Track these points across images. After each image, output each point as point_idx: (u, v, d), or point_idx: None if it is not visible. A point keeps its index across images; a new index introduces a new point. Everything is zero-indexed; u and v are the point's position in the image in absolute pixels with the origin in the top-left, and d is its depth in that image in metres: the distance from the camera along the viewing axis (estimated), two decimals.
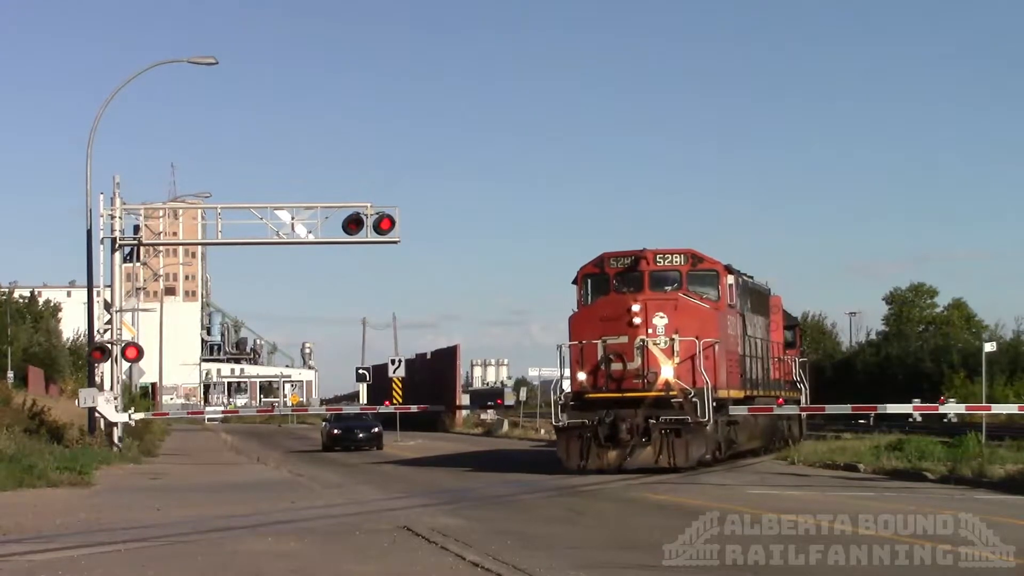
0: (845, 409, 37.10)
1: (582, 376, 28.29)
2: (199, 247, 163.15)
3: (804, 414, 38.95)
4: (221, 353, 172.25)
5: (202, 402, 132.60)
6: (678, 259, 29.46)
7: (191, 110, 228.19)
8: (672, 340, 27.96)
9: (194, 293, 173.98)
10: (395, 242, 38.29)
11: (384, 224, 37.56)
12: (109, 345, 36.64)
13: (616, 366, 28.06)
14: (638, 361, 27.90)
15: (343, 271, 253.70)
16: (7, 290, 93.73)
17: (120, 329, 37.63)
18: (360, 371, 65.37)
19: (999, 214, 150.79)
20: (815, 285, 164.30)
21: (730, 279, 30.08)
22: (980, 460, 26.27)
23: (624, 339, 28.03)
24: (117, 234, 37.85)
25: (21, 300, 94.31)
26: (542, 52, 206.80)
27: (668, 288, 29.09)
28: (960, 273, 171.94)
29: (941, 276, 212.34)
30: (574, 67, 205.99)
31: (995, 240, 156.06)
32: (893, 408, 37.79)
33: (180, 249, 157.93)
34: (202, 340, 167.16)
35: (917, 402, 46.64)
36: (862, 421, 52.59)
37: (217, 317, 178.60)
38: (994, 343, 44.64)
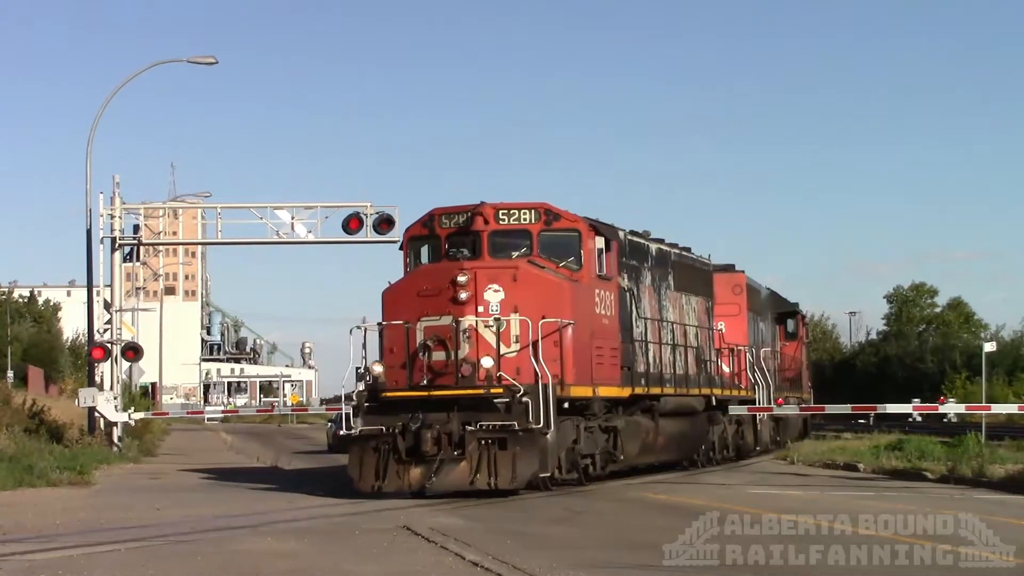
0: (845, 409, 37.12)
1: (378, 368, 22.08)
2: (199, 247, 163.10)
3: (787, 416, 35.98)
4: (221, 353, 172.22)
5: (202, 402, 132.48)
6: (527, 216, 23.01)
7: (191, 110, 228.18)
8: (509, 321, 21.63)
9: (194, 293, 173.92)
10: (395, 242, 38.26)
11: (384, 224, 37.59)
12: (109, 345, 36.64)
13: (438, 356, 21.58)
14: (465, 349, 21.53)
15: (343, 271, 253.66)
16: (7, 290, 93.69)
17: (120, 329, 37.62)
18: (360, 371, 65.18)
19: (999, 214, 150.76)
20: (815, 285, 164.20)
21: (599, 242, 23.46)
22: (980, 460, 26.28)
23: (448, 320, 21.60)
24: (117, 234, 37.86)
25: (21, 300, 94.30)
26: (543, 49, 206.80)
27: (516, 254, 22.79)
28: (960, 273, 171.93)
29: (941, 276, 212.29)
30: (574, 64, 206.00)
31: (995, 240, 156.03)
32: (893, 408, 37.81)
33: (180, 249, 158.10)
34: (202, 340, 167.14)
35: (917, 402, 46.64)
36: (862, 421, 52.61)
37: (217, 317, 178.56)
38: (994, 343, 44.70)
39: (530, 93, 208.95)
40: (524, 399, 21.03)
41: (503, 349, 21.50)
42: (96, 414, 36.40)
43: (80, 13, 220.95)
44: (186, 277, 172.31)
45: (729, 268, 34.61)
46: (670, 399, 27.33)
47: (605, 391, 23.63)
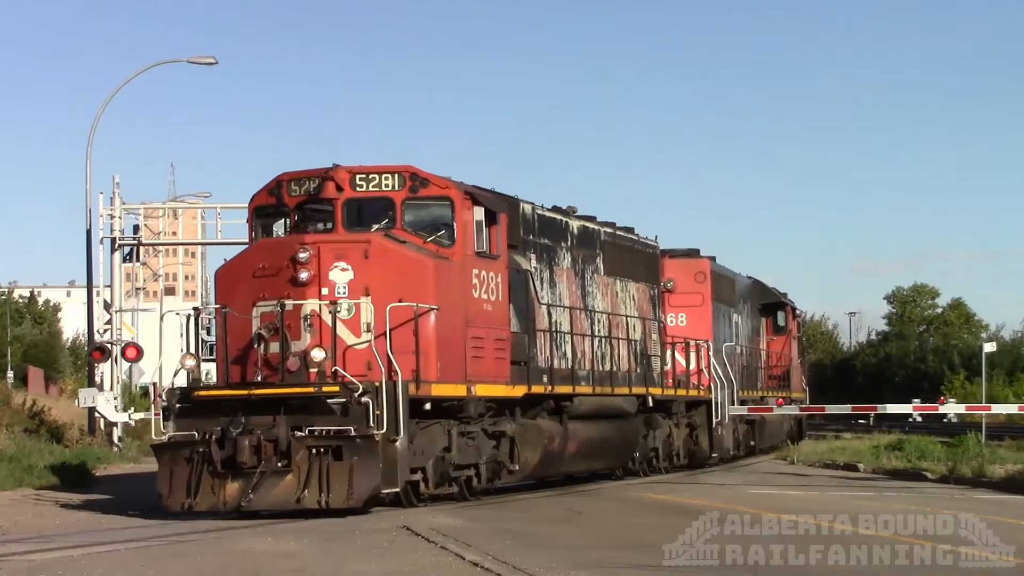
0: (845, 409, 37.19)
1: (191, 362, 19.12)
2: (199, 247, 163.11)
3: (765, 418, 33.78)
4: None
5: None
6: (389, 181, 19.55)
7: (191, 110, 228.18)
8: (359, 305, 18.46)
9: (194, 293, 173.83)
10: None
11: None
12: (109, 345, 36.64)
13: (275, 347, 18.36)
14: (307, 339, 18.26)
15: None
16: (7, 290, 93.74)
17: (120, 329, 37.64)
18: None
19: (999, 214, 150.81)
20: (815, 285, 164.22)
21: (478, 213, 20.05)
22: (980, 460, 26.31)
23: (289, 304, 18.36)
24: (117, 234, 37.91)
25: (21, 300, 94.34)
26: (543, 45, 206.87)
27: (376, 226, 19.46)
28: (960, 273, 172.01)
29: (941, 276, 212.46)
30: (573, 60, 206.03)
31: (995, 240, 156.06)
32: (893, 408, 37.91)
33: (180, 249, 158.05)
34: (201, 340, 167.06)
35: (917, 402, 46.77)
36: (862, 421, 52.65)
37: None
38: (994, 343, 44.77)
39: (533, 90, 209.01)
40: (364, 399, 17.61)
41: (351, 339, 18.34)
42: (96, 414, 36.41)
43: (80, 13, 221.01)
44: (186, 277, 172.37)
45: (692, 253, 32.00)
46: (586, 399, 23.78)
47: (486, 390, 20.18)
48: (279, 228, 20.34)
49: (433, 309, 18.78)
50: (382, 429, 17.56)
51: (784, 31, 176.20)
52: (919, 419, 49.66)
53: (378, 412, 17.60)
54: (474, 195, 20.11)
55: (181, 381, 19.17)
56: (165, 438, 18.44)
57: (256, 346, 18.47)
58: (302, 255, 18.41)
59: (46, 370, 74.46)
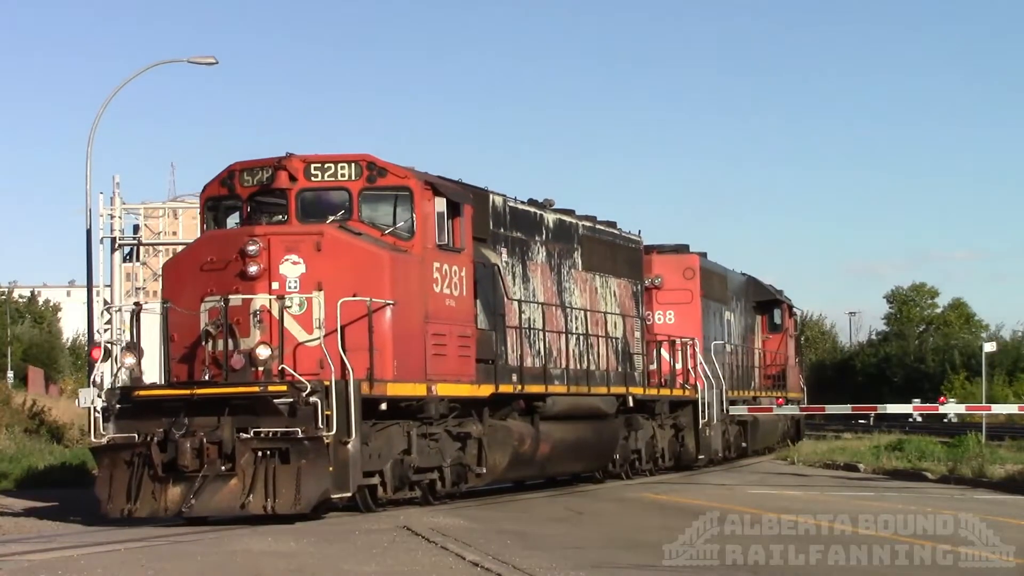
0: (845, 409, 37.24)
1: (130, 360, 18.22)
2: None
3: (757, 419, 32.91)
4: None
5: None
6: (345, 170, 18.73)
7: (191, 110, 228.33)
8: (311, 300, 17.61)
9: None
10: None
11: None
12: (109, 345, 36.61)
13: (224, 345, 17.47)
14: (256, 336, 17.40)
15: None
16: (7, 290, 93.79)
17: (120, 329, 37.60)
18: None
19: (999, 214, 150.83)
20: (815, 285, 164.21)
21: (439, 204, 19.12)
22: (980, 460, 26.33)
23: (237, 299, 17.52)
24: (117, 234, 37.85)
25: (21, 300, 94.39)
26: (544, 42, 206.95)
27: (332, 218, 18.62)
28: (960, 273, 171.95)
29: (941, 276, 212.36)
30: (572, 56, 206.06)
31: (995, 240, 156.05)
32: (893, 408, 37.99)
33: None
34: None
35: (917, 402, 46.82)
36: (862, 421, 52.70)
37: None
38: (994, 343, 44.80)
39: (533, 89, 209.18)
40: (312, 399, 16.76)
41: (303, 336, 17.54)
42: (96, 414, 36.34)
43: (80, 13, 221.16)
44: None
45: (681, 249, 31.02)
46: (560, 399, 22.88)
47: (449, 389, 19.30)
48: (234, 220, 19.43)
49: (389, 304, 17.87)
50: (332, 431, 16.73)
51: (784, 29, 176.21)
52: (919, 419, 49.71)
53: (328, 413, 16.76)
54: (435, 185, 19.20)
55: (152, 378, 18.52)
56: (104, 440, 17.55)
57: (204, 343, 17.62)
58: (251, 248, 17.59)
59: (46, 370, 74.52)
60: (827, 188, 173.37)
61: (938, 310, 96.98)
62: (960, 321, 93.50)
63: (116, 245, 37.95)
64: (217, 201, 19.49)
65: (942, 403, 40.55)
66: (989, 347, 35.96)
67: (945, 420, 49.29)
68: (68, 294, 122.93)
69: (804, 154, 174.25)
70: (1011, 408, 40.76)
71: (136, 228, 39.16)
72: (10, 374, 66.90)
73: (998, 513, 17.82)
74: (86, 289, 39.16)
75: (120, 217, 37.94)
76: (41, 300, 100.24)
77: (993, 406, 37.12)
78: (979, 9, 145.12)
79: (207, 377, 17.47)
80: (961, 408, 39.53)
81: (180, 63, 40.48)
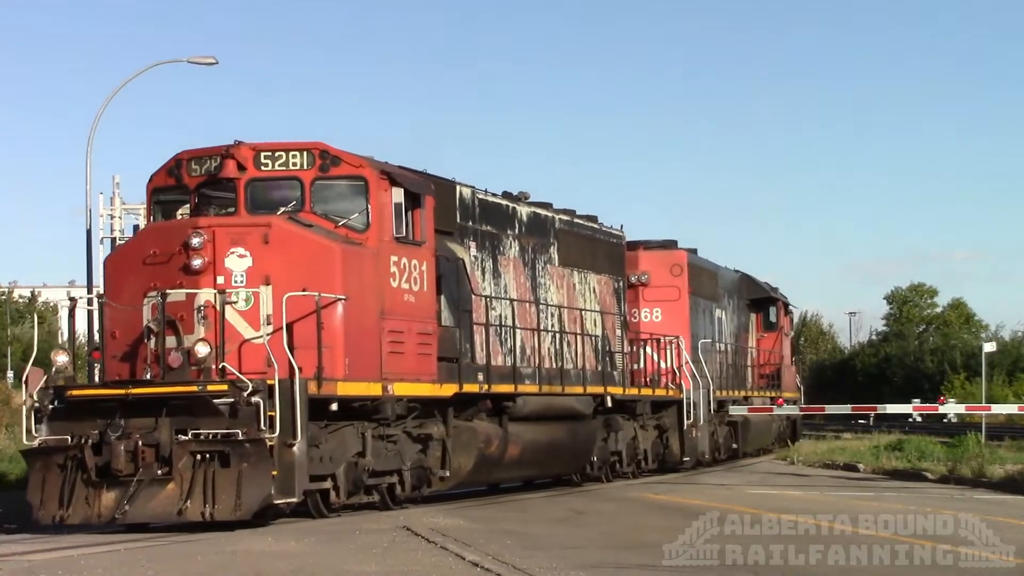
0: (845, 409, 37.25)
1: (62, 359, 17.63)
2: None
3: (748, 420, 32.19)
4: None
5: None
6: (297, 159, 17.88)
7: (191, 110, 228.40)
8: (258, 295, 16.76)
9: None
10: None
11: None
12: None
13: (168, 342, 16.59)
14: (201, 332, 16.59)
15: None
16: (7, 290, 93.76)
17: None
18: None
19: (999, 214, 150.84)
20: (815, 285, 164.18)
21: (397, 195, 18.17)
22: (980, 460, 26.34)
23: (181, 294, 16.73)
24: (117, 234, 37.90)
25: (21, 300, 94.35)
26: (546, 41, 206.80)
27: (284, 209, 17.80)
28: (960, 273, 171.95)
29: (941, 276, 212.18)
30: (571, 54, 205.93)
31: (995, 240, 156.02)
32: (893, 408, 38.06)
33: None
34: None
35: (917, 402, 46.89)
36: (862, 421, 52.75)
37: None
38: (994, 343, 44.85)
39: (534, 88, 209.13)
40: (255, 399, 15.90)
41: (249, 333, 16.70)
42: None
43: (80, 13, 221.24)
44: None
45: (669, 245, 30.31)
46: (531, 399, 21.99)
47: (407, 388, 18.41)
48: (174, 209, 18.55)
49: (340, 299, 17.05)
50: (275, 432, 15.87)
51: (784, 29, 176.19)
52: (919, 419, 49.76)
53: (271, 413, 15.89)
54: (392, 175, 18.29)
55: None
56: (36, 443, 16.67)
57: (146, 340, 16.81)
58: (195, 240, 16.76)
59: (46, 370, 74.44)
60: (827, 188, 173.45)
61: (938, 310, 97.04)
62: (960, 321, 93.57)
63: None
64: (164, 192, 18.58)
65: (942, 403, 40.59)
66: (989, 347, 35.96)
67: (945, 420, 49.34)
68: (68, 294, 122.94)
69: (804, 154, 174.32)
70: (1011, 408, 40.79)
71: (136, 228, 39.14)
72: (10, 374, 66.85)
73: (998, 513, 17.82)
74: (86, 289, 39.18)
75: (120, 217, 38.01)
76: (41, 300, 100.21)
77: (993, 406, 37.13)
78: (980, 9, 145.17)
79: (148, 376, 16.64)
80: (961, 408, 39.61)
81: (180, 63, 40.55)
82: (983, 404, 34.89)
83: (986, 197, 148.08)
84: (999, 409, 38.07)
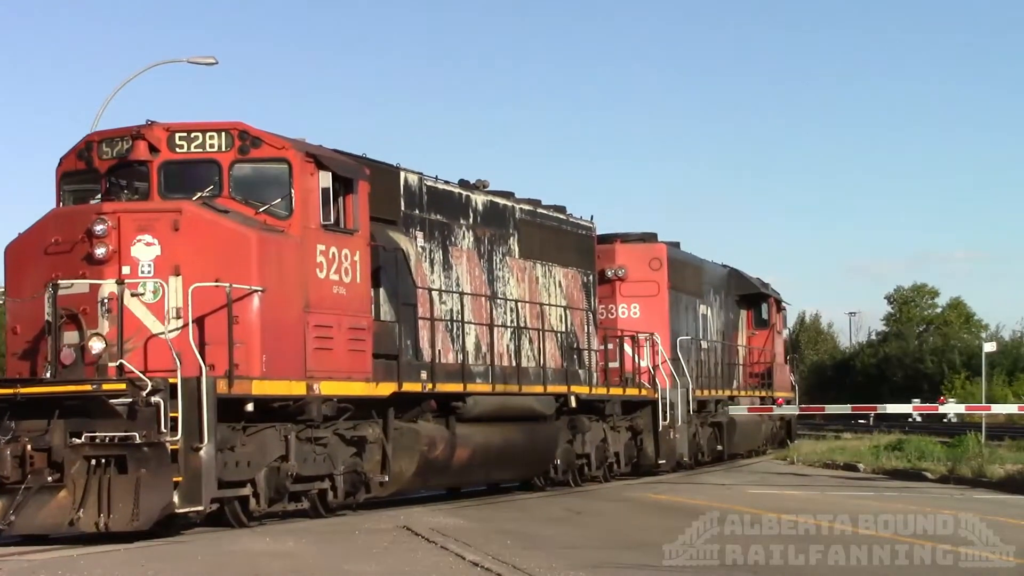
0: (845, 409, 37.33)
1: None
2: None
3: (735, 420, 31.18)
4: None
5: None
6: (214, 140, 16.66)
7: (191, 110, 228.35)
8: (165, 287, 15.50)
9: None
10: None
11: None
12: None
13: (70, 338, 15.43)
14: (105, 327, 15.34)
15: None
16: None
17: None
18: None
19: (999, 214, 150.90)
20: (815, 285, 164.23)
21: (324, 179, 16.96)
22: (980, 460, 26.35)
23: (84, 285, 15.52)
24: None
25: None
26: (544, 41, 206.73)
27: (201, 193, 16.47)
28: (960, 273, 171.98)
29: (941, 276, 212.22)
30: (570, 55, 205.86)
31: (995, 240, 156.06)
32: (893, 408, 38.08)
33: None
34: None
35: (917, 402, 46.90)
36: (862, 421, 52.77)
37: None
38: (994, 343, 44.86)
39: (533, 87, 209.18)
40: (155, 399, 14.61)
41: (157, 327, 15.41)
42: None
43: (80, 12, 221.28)
44: None
45: (648, 238, 28.92)
46: (483, 399, 20.71)
47: (337, 388, 17.12)
48: (84, 195, 17.20)
49: (256, 291, 15.74)
50: (178, 435, 14.67)
51: (784, 28, 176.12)
52: (919, 419, 49.76)
53: (174, 415, 14.69)
54: (319, 157, 17.02)
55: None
56: None
57: (48, 336, 15.42)
58: (98, 227, 15.52)
59: None
60: (827, 188, 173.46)
61: (938, 310, 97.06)
62: (960, 321, 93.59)
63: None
64: (74, 176, 17.20)
65: (942, 403, 40.66)
66: (989, 347, 35.93)
67: (945, 420, 49.33)
68: None
69: (804, 154, 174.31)
70: (1011, 408, 40.82)
71: None
72: None
73: (998, 513, 17.82)
74: None
75: None
76: None
77: (993, 406, 37.16)
78: (979, 9, 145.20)
79: (48, 374, 15.35)
80: (961, 408, 39.62)
81: (180, 63, 40.53)
82: (983, 404, 34.89)
83: (986, 197, 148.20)
84: (999, 409, 38.12)
